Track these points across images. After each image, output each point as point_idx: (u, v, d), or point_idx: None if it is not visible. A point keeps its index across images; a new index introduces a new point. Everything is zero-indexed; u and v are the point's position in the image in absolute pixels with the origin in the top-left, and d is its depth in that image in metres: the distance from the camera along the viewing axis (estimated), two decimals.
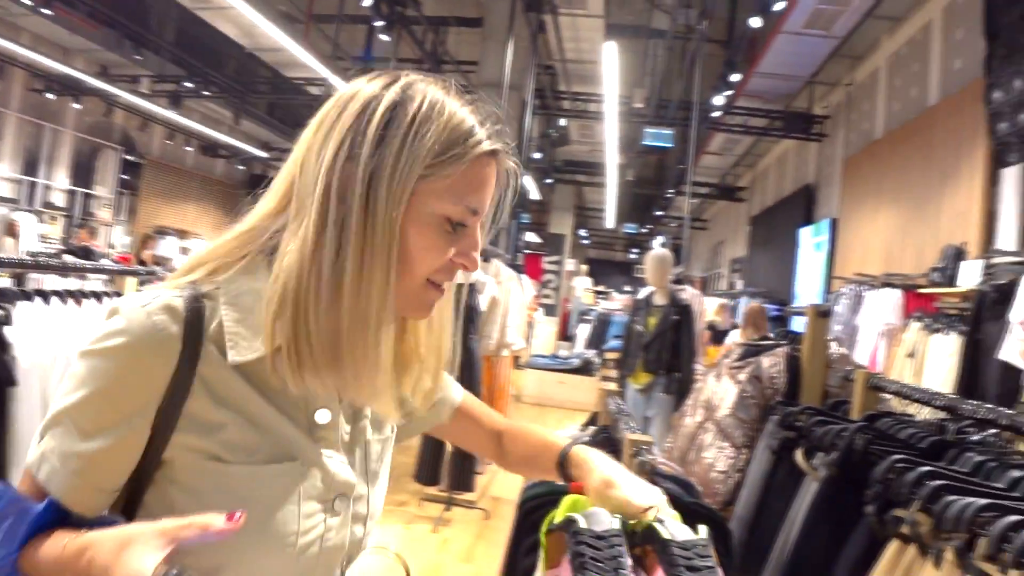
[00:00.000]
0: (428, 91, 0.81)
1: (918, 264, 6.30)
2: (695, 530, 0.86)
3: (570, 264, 18.41)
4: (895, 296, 5.72)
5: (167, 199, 15.04)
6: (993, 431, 1.74)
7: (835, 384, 2.59)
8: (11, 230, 9.93)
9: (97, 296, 2.58)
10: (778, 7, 6.69)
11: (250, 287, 0.81)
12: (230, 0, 6.14)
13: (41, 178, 11.74)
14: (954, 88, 6.27)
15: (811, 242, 9.93)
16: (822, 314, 2.60)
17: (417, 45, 9.83)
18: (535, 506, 1.82)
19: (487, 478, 5.40)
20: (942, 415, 1.87)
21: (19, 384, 2.11)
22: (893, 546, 1.31)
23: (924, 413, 1.99)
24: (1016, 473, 1.36)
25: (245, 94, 12.11)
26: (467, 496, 4.75)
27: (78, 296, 2.50)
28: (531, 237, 19.14)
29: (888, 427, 1.75)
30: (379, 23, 8.50)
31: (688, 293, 5.77)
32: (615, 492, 0.93)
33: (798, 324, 9.00)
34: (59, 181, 12.15)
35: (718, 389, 2.84)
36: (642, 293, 5.57)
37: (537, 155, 13.92)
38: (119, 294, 2.68)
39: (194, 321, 0.77)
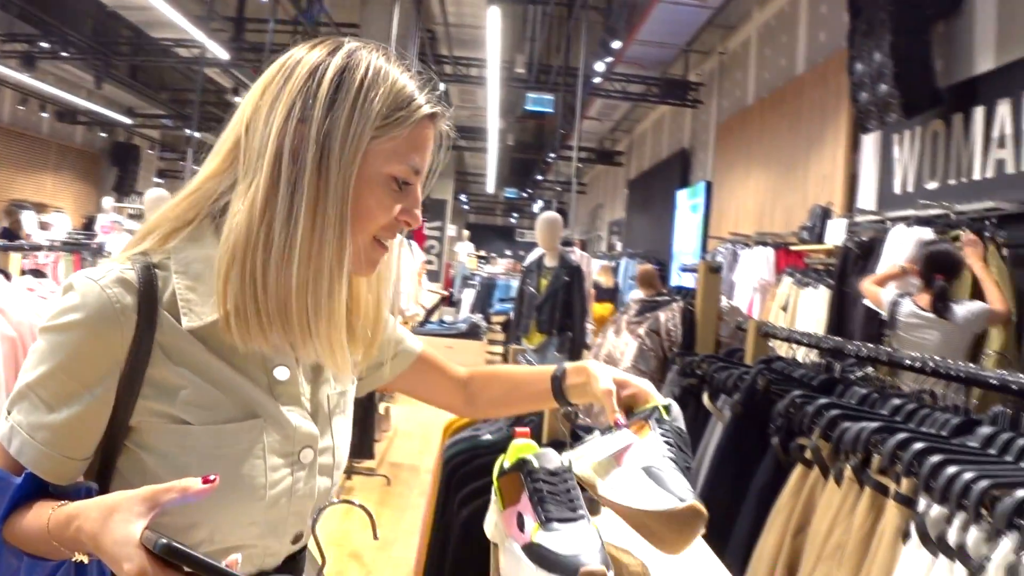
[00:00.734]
0: (371, 58, 0.85)
1: (788, 223, 6.72)
2: None
3: (452, 230, 18.42)
4: (768, 253, 6.11)
5: (20, 169, 13.92)
6: (871, 369, 1.94)
7: (726, 335, 2.79)
8: None
9: None
10: None
11: (199, 254, 0.83)
12: None
13: None
14: (819, 59, 6.69)
15: (687, 204, 10.36)
16: (714, 270, 2.78)
17: (292, 3, 9.51)
18: (461, 462, 1.90)
19: (384, 445, 5.42)
20: (826, 360, 2.06)
21: None
22: (797, 471, 1.46)
23: (811, 357, 2.19)
24: (896, 401, 1.55)
25: (106, 56, 11.34)
26: (367, 463, 4.77)
27: None
28: None
29: (783, 369, 1.92)
30: None
31: (577, 255, 5.96)
32: (632, 389, 1.06)
33: (676, 280, 9.43)
34: None
35: (618, 343, 2.99)
36: (532, 256, 5.69)
37: None
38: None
39: (148, 291, 0.80)
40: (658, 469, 0.92)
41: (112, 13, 11.04)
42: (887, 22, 4.56)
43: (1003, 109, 4.20)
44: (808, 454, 1.43)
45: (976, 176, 4.39)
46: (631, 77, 10.86)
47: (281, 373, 0.87)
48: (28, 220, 12.00)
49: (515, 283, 7.87)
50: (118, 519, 0.67)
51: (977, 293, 3.58)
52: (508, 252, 23.23)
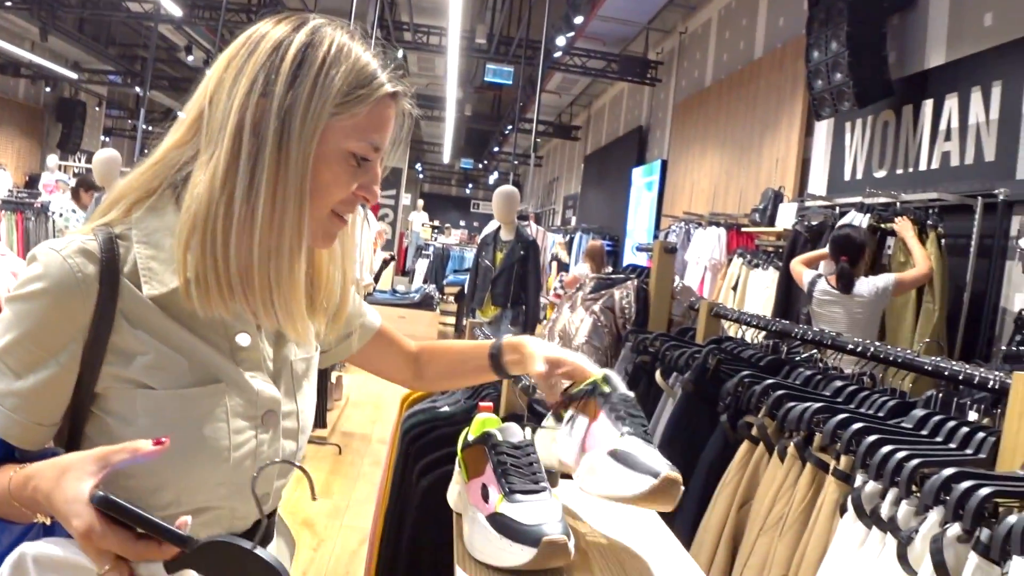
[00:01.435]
0: (335, 35, 0.87)
1: (741, 205, 6.86)
2: None
3: (406, 199, 18.28)
4: (720, 234, 6.24)
5: None
6: (815, 351, 2.03)
7: (678, 313, 2.86)
8: None
9: None
10: None
11: (160, 223, 0.85)
12: None
13: None
14: (777, 44, 6.79)
15: (642, 181, 10.47)
16: (669, 250, 2.85)
17: None
18: (419, 433, 1.93)
19: (336, 414, 5.43)
20: (773, 341, 2.15)
21: None
22: (743, 447, 1.54)
23: (759, 338, 2.27)
24: (838, 383, 1.63)
25: (52, 6, 10.92)
26: (319, 432, 4.77)
27: None
28: None
29: (733, 349, 1.99)
30: None
31: (533, 228, 6.00)
32: (566, 367, 1.10)
33: (629, 259, 9.54)
34: None
35: (573, 319, 3.04)
36: (488, 228, 5.72)
37: None
38: None
39: (109, 261, 0.82)
40: (624, 451, 0.96)
41: None
42: (845, 12, 4.66)
43: (951, 103, 4.34)
44: (755, 431, 1.51)
45: (923, 167, 4.54)
46: (591, 52, 10.88)
47: (243, 339, 0.89)
48: None
49: (469, 254, 7.87)
50: (70, 477, 0.71)
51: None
52: (463, 223, 23.16)
